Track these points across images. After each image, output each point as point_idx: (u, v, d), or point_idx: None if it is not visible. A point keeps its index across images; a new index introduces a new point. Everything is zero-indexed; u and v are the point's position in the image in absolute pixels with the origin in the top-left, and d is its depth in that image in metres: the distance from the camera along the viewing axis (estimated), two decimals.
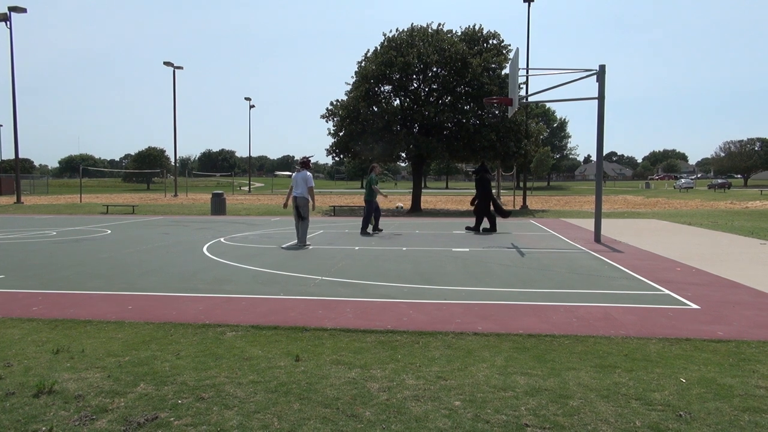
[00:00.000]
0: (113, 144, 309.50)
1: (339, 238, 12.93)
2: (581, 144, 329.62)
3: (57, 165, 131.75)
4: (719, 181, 67.98)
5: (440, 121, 23.49)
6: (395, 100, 25.44)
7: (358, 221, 18.62)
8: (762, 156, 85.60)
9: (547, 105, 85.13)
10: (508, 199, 36.25)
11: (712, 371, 3.85)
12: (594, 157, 19.12)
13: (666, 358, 4.13)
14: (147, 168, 79.19)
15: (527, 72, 19.29)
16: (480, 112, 24.04)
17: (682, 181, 67.03)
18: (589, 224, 16.27)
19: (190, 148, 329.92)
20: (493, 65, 24.09)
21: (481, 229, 14.25)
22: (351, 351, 4.31)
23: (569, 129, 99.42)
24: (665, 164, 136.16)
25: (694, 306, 5.85)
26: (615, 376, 3.76)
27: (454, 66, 23.54)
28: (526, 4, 27.05)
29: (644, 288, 6.86)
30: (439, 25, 25.24)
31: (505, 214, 14.78)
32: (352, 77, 25.41)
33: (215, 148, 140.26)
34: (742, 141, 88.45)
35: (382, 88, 25.11)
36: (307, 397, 3.39)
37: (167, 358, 4.14)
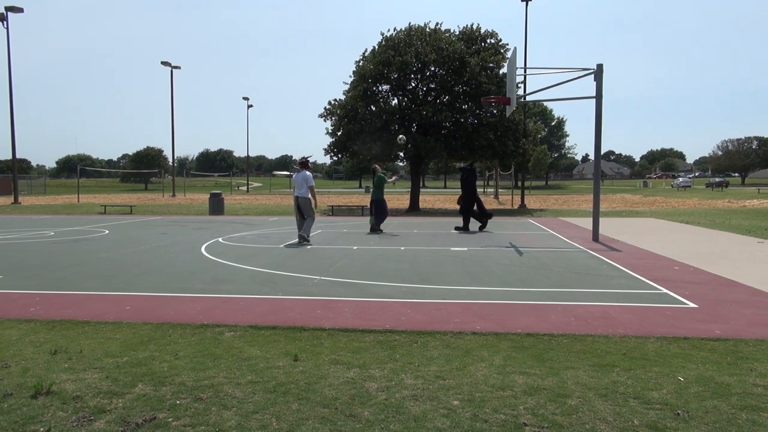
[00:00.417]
0: (111, 144, 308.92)
1: (337, 237, 12.93)
2: (579, 143, 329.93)
3: (54, 165, 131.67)
4: (717, 179, 68.13)
5: (438, 120, 23.50)
6: (393, 99, 25.46)
7: (357, 221, 18.64)
8: (759, 154, 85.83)
9: (545, 104, 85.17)
10: (507, 198, 36.30)
11: (709, 370, 3.86)
12: (592, 156, 19.17)
13: (664, 357, 4.13)
14: (145, 168, 79.11)
15: (525, 71, 19.29)
16: (478, 111, 24.05)
17: (680, 179, 67.15)
18: (587, 223, 16.29)
19: (188, 147, 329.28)
20: (491, 64, 24.11)
21: (467, 227, 14.52)
22: (349, 351, 4.31)
23: (567, 128, 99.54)
24: (663, 163, 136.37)
25: (692, 305, 5.86)
26: (613, 375, 3.77)
27: (452, 65, 23.55)
28: (524, 3, 27.06)
29: (642, 287, 6.87)
30: (437, 24, 25.26)
31: (488, 214, 15.05)
32: (350, 77, 25.44)
33: (213, 148, 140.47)
34: (740, 139, 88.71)
35: (380, 88, 25.12)
36: (306, 397, 3.38)
37: (165, 358, 4.14)
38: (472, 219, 14.63)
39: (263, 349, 4.35)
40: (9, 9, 30.28)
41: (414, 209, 25.24)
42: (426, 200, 32.62)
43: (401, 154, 25.41)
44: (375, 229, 14.03)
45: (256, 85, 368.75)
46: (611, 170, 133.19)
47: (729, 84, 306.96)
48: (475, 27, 25.24)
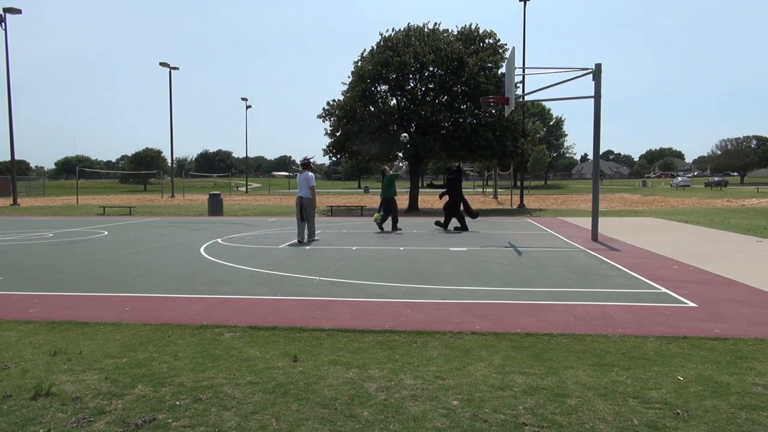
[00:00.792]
0: (110, 145, 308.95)
1: (337, 238, 12.92)
2: (578, 143, 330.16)
3: (53, 166, 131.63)
4: (716, 179, 68.17)
5: (437, 120, 23.50)
6: (392, 99, 25.46)
7: (356, 222, 18.63)
8: (758, 154, 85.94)
9: (544, 104, 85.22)
10: (506, 198, 36.29)
11: (709, 369, 3.86)
12: (591, 156, 19.18)
13: (663, 356, 4.14)
14: (144, 169, 79.09)
15: (523, 71, 19.33)
16: (477, 111, 24.06)
17: (679, 179, 67.13)
18: (586, 223, 16.30)
19: (187, 148, 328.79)
20: (490, 64, 24.11)
21: (453, 227, 14.68)
22: (349, 351, 4.31)
23: (566, 128, 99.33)
24: (662, 162, 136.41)
25: (692, 304, 5.87)
26: (613, 374, 3.77)
27: (450, 65, 23.55)
28: (522, 3, 27.07)
29: (641, 286, 6.87)
30: (436, 24, 25.27)
31: (474, 214, 15.18)
32: (349, 77, 25.45)
33: (212, 149, 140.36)
34: (739, 139, 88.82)
35: (378, 88, 25.12)
36: (305, 398, 3.38)
37: (165, 359, 4.13)
38: (469, 218, 14.83)
39: (262, 350, 4.35)
40: (7, 10, 30.25)
41: (413, 209, 25.24)
42: (426, 200, 32.62)
43: (400, 154, 25.41)
44: (386, 227, 14.37)
45: (255, 85, 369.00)
46: (610, 170, 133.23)
47: (728, 83, 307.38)
48: (473, 27, 25.24)
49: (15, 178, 34.81)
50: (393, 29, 25.28)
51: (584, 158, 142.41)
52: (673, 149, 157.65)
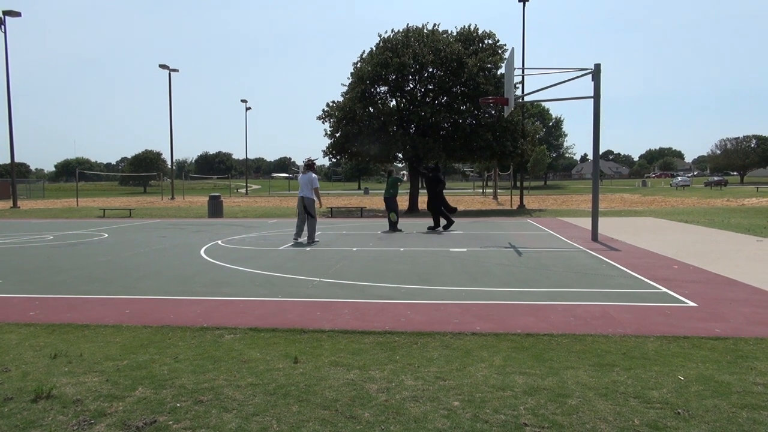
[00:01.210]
0: (109, 147, 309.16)
1: (337, 239, 12.92)
2: (578, 143, 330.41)
3: (53, 169, 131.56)
4: (716, 178, 68.21)
5: (436, 121, 23.50)
6: (391, 100, 25.46)
7: (356, 222, 18.64)
8: (758, 153, 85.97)
9: (543, 104, 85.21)
10: (506, 199, 36.26)
11: (709, 369, 3.86)
12: (590, 156, 19.22)
13: (664, 356, 4.14)
14: (143, 171, 79.08)
15: (523, 71, 19.34)
16: (476, 112, 24.06)
17: (679, 178, 67.14)
18: (586, 223, 16.30)
19: (187, 150, 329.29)
20: (489, 65, 24.12)
21: (441, 227, 14.76)
22: (349, 352, 4.31)
23: (565, 128, 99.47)
24: (662, 162, 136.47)
25: (692, 303, 5.87)
26: (613, 374, 3.77)
27: (449, 66, 23.56)
28: (521, 3, 27.08)
29: (642, 286, 6.87)
30: (435, 25, 25.30)
31: (451, 209, 15.22)
32: (348, 78, 25.46)
33: (212, 151, 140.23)
34: (738, 138, 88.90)
35: (378, 89, 25.12)
36: (306, 399, 3.38)
37: (165, 361, 4.13)
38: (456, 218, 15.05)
39: (263, 352, 4.35)
40: (6, 13, 30.27)
41: (413, 210, 25.24)
42: (425, 201, 32.60)
43: (399, 155, 25.42)
44: (394, 226, 14.51)
45: (255, 87, 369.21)
46: (610, 170, 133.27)
47: (727, 83, 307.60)
48: (472, 27, 25.26)
49: (15, 181, 34.81)
50: (392, 30, 25.30)
51: (584, 158, 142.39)
52: (673, 149, 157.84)
